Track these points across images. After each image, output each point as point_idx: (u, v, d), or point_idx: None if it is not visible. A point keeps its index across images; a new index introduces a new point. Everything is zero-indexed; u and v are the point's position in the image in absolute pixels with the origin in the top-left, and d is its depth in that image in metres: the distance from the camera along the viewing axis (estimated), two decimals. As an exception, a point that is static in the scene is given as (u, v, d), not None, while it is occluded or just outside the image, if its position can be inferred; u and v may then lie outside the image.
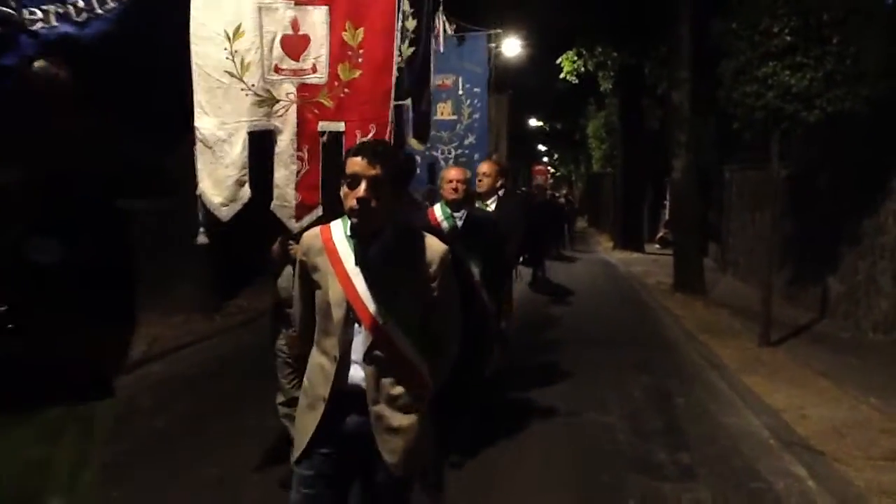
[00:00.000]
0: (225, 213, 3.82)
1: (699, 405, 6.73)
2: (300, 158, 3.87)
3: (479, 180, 6.19)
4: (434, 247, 2.70)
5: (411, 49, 4.56)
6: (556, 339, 9.52)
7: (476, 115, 7.64)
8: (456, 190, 5.14)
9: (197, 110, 3.80)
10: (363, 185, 2.52)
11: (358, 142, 3.82)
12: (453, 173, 5.23)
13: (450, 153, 7.17)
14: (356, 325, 2.63)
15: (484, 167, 6.34)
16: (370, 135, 3.88)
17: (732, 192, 16.47)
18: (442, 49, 6.78)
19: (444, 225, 5.09)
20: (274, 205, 3.89)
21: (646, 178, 23.85)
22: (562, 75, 20.54)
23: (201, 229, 3.87)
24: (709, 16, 11.16)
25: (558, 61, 20.24)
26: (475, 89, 7.71)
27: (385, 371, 2.63)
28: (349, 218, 2.63)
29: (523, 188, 23.95)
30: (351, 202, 2.55)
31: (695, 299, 12.82)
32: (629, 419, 6.24)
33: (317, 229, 2.78)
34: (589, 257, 21.72)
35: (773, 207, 9.27)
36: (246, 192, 3.85)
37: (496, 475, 4.91)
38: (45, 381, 2.28)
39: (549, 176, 24.40)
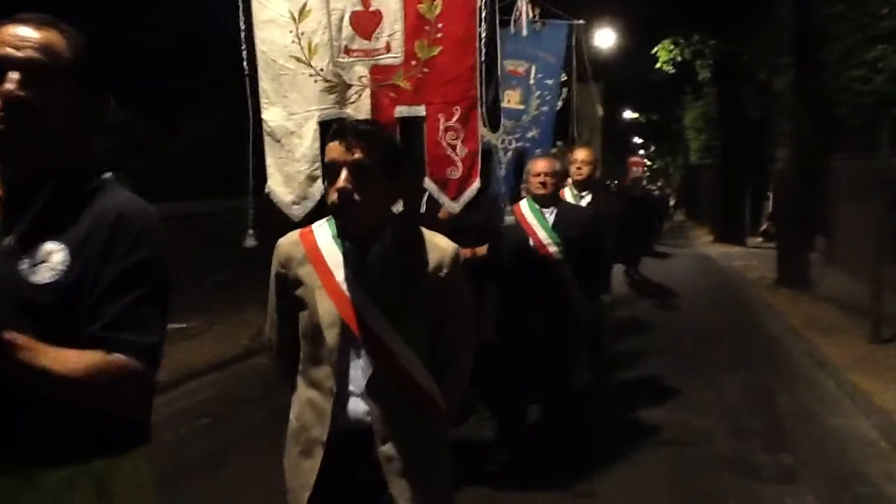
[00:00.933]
0: (296, 212, 3.54)
1: (804, 405, 6.47)
2: None
3: (578, 168, 6.02)
4: (442, 246, 2.27)
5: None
6: (651, 339, 9.32)
7: (544, 108, 6.98)
8: (544, 185, 4.88)
9: (263, 101, 3.56)
10: (343, 175, 2.07)
11: (442, 127, 3.58)
12: (541, 165, 4.92)
13: (510, 143, 6.50)
14: (354, 349, 2.18)
15: (581, 154, 6.12)
16: (454, 119, 3.55)
17: (839, 182, 15.73)
18: (524, 32, 6.51)
19: (533, 222, 4.90)
20: None
21: (746, 168, 23.09)
22: (658, 65, 20.11)
23: (249, 231, 3.60)
24: (811, -1, 10.72)
25: (654, 51, 19.82)
26: (547, 80, 7.07)
27: (393, 402, 2.18)
28: (334, 217, 2.22)
29: (615, 181, 23.52)
30: (332, 196, 2.10)
31: (800, 295, 12.30)
32: (729, 420, 6.06)
33: (295, 234, 2.29)
34: (686, 252, 21.16)
35: (883, 197, 8.83)
36: (318, 188, 3.49)
37: (592, 480, 4.79)
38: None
39: (645, 168, 23.76)
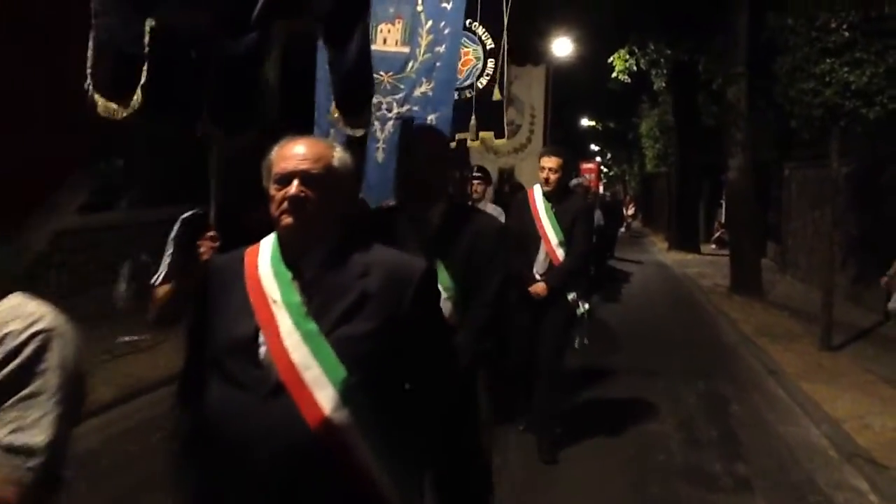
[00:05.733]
0: None
1: (756, 413, 6.55)
2: None
3: (546, 177, 5.03)
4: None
5: None
6: (607, 347, 9.35)
7: (440, 51, 4.43)
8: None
9: None
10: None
11: None
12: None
13: (390, 109, 4.35)
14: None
15: (550, 161, 5.03)
16: None
17: (792, 190, 16.05)
18: None
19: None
20: None
21: (701, 176, 23.39)
22: (614, 74, 20.28)
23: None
24: (766, 8, 10.87)
25: (610, 60, 19.98)
26: (443, 3, 4.52)
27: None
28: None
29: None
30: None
31: (752, 301, 12.51)
32: (683, 428, 6.09)
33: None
34: (642, 257, 21.37)
35: (834, 206, 8.99)
36: None
37: (542, 484, 4.82)
38: None
39: (594, 175, 23.33)
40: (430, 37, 4.48)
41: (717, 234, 22.94)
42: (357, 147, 3.91)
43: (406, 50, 4.48)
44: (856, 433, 5.84)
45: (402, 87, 4.42)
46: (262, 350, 1.83)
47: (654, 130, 28.15)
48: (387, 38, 4.51)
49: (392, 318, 1.84)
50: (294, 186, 1.84)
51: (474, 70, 5.69)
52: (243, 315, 1.87)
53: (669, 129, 25.27)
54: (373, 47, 4.03)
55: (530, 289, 5.01)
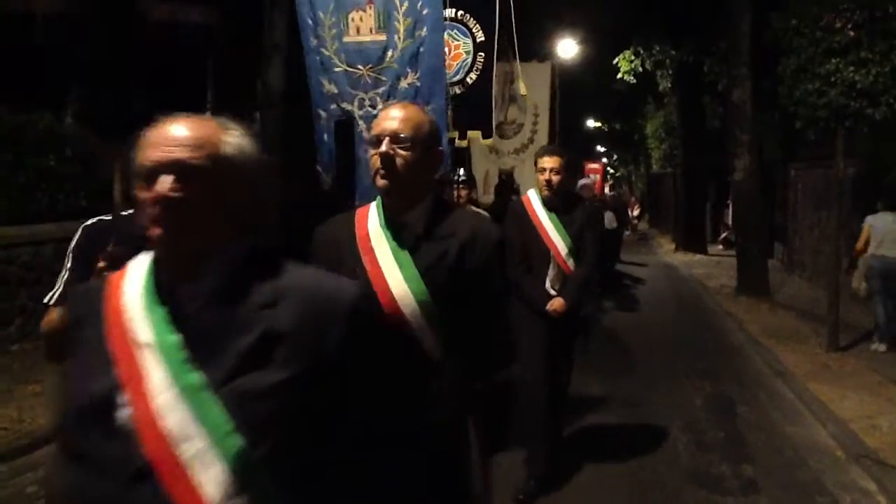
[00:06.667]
0: None
1: (763, 414, 6.54)
2: None
3: (548, 178, 4.48)
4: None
5: None
6: (612, 347, 9.36)
7: (421, 33, 4.04)
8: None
9: None
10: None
11: None
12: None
13: (372, 104, 4.03)
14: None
15: (549, 161, 4.50)
16: None
17: (798, 191, 16.01)
18: None
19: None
20: None
21: (707, 177, 23.36)
22: (619, 75, 20.31)
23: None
24: (770, 10, 10.85)
25: (615, 61, 20.02)
26: None
27: None
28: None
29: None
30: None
31: (759, 302, 12.49)
32: (689, 428, 6.09)
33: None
34: (649, 260, 21.33)
35: (840, 206, 8.98)
36: None
37: (551, 489, 4.77)
38: None
39: (601, 175, 23.02)
40: (408, 20, 4.05)
41: (723, 235, 22.92)
42: (344, 151, 3.82)
43: (383, 37, 4.08)
44: (863, 434, 5.84)
45: (384, 79, 4.08)
46: (123, 414, 1.28)
47: (659, 131, 28.09)
48: (360, 27, 4.10)
49: (311, 365, 1.33)
50: (165, 183, 1.31)
51: (464, 65, 5.39)
52: (99, 366, 1.33)
53: (675, 130, 25.23)
54: (344, 39, 4.03)
55: (548, 307, 4.53)
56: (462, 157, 6.53)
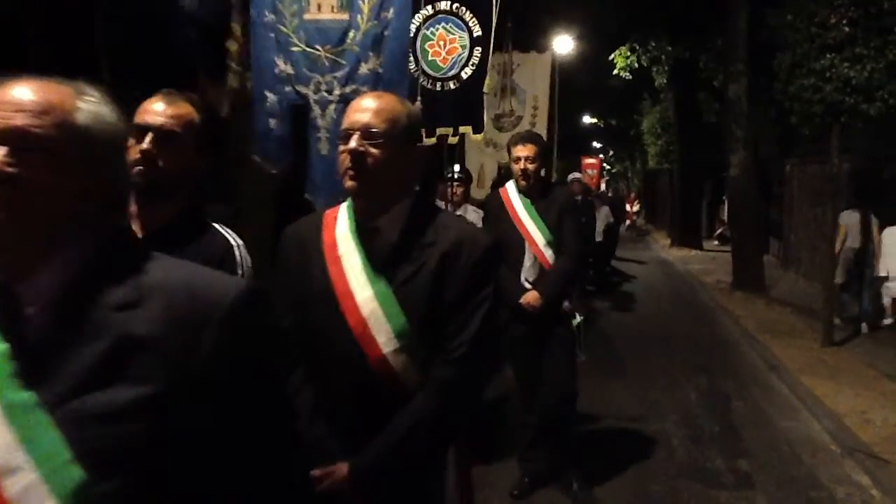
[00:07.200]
0: None
1: (758, 409, 6.57)
2: None
3: (523, 168, 4.25)
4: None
5: None
6: (608, 342, 9.39)
7: (387, 16, 3.79)
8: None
9: None
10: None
11: None
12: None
13: (331, 89, 3.79)
14: None
15: (524, 149, 4.23)
16: None
17: (793, 186, 16.05)
18: None
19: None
20: None
21: (704, 173, 23.39)
22: (615, 71, 20.31)
23: None
24: (766, 6, 10.87)
25: (611, 57, 20.01)
26: None
27: None
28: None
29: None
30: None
31: (755, 298, 12.52)
32: (684, 423, 6.12)
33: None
34: (645, 256, 21.35)
35: (835, 202, 9.01)
36: None
37: (542, 482, 4.78)
38: None
39: (600, 171, 22.99)
40: (374, 0, 3.77)
41: (719, 231, 22.97)
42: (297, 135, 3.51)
43: (345, 17, 3.78)
44: (857, 428, 5.87)
45: (342, 62, 3.77)
46: None
47: (655, 127, 28.12)
48: (321, 4, 3.80)
49: (179, 380, 1.07)
50: None
51: (459, 59, 5.16)
52: None
53: (671, 126, 25.25)
54: (305, 16, 3.75)
55: (521, 300, 4.23)
56: (456, 153, 6.44)
